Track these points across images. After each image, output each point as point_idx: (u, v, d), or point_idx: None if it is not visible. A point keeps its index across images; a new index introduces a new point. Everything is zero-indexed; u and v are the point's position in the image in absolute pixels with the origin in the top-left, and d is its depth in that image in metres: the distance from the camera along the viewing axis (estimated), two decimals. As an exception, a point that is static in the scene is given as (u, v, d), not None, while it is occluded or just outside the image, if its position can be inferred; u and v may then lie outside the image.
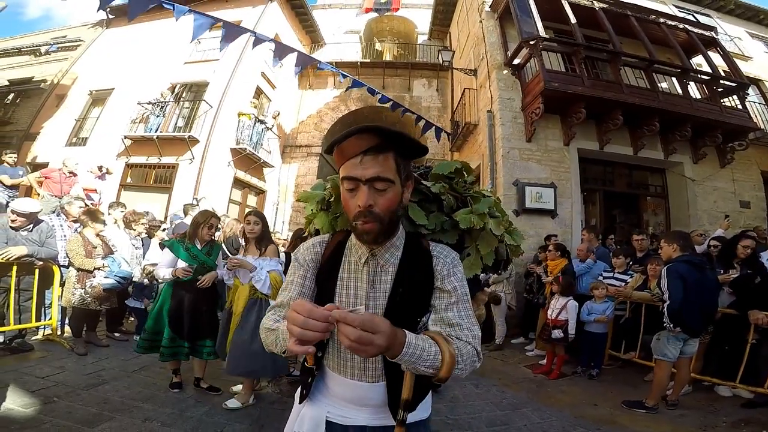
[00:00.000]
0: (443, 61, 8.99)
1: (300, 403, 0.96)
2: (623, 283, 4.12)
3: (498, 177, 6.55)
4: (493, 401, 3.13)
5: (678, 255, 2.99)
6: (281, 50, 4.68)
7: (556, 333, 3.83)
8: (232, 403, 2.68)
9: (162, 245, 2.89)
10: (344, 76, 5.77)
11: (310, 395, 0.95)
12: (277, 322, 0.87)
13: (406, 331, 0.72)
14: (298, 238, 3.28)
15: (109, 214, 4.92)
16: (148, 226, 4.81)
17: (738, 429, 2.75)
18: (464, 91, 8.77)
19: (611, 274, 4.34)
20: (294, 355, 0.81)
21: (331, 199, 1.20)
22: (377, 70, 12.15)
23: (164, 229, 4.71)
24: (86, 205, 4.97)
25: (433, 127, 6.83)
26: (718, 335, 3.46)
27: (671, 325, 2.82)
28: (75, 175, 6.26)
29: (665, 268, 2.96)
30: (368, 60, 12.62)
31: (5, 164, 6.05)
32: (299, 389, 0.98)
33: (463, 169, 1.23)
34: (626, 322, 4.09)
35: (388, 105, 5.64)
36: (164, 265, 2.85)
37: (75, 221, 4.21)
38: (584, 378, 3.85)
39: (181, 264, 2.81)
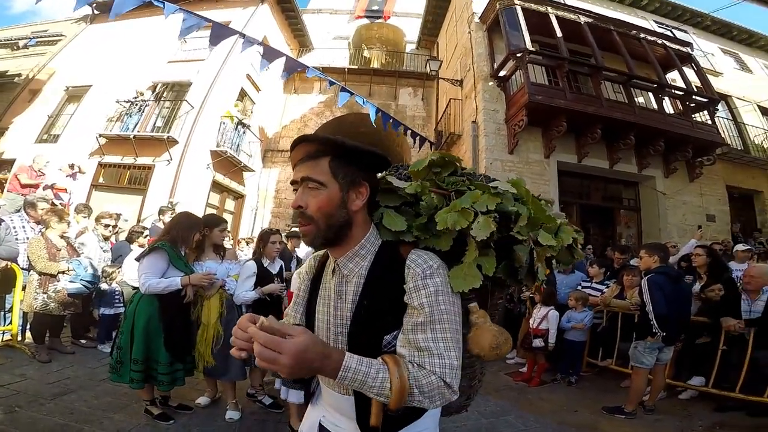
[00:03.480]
0: (431, 70, 9.11)
1: (306, 403, 1.02)
2: (600, 293, 4.23)
3: (481, 187, 6.64)
4: (476, 409, 3.12)
5: (657, 266, 3.11)
6: (269, 54, 4.64)
7: (537, 342, 3.89)
8: (234, 414, 2.60)
9: (150, 248, 2.51)
10: (331, 84, 5.76)
11: (314, 398, 0.99)
12: None
13: (349, 354, 0.69)
14: (261, 240, 3.04)
15: (73, 217, 4.68)
16: (111, 228, 4.57)
17: (713, 432, 2.85)
18: (450, 101, 8.91)
19: (589, 284, 4.45)
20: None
21: None
22: (364, 77, 12.18)
23: (146, 236, 4.49)
24: (52, 204, 4.71)
25: (411, 132, 6.93)
26: (688, 342, 3.59)
27: (659, 331, 2.89)
28: (43, 174, 5.96)
29: (646, 278, 3.07)
30: (356, 66, 12.61)
31: None
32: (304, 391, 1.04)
33: (445, 159, 0.99)
34: (603, 331, 4.20)
35: (378, 114, 5.71)
36: (154, 273, 2.36)
37: (38, 222, 3.96)
38: (563, 385, 3.91)
39: (175, 272, 2.42)
